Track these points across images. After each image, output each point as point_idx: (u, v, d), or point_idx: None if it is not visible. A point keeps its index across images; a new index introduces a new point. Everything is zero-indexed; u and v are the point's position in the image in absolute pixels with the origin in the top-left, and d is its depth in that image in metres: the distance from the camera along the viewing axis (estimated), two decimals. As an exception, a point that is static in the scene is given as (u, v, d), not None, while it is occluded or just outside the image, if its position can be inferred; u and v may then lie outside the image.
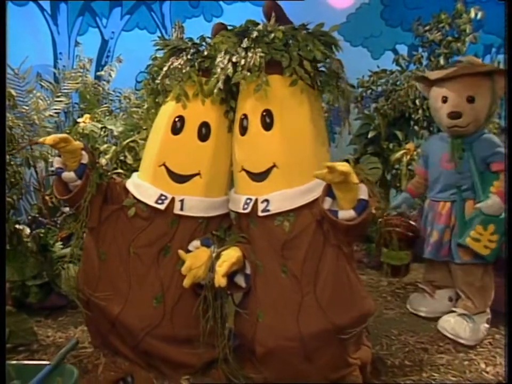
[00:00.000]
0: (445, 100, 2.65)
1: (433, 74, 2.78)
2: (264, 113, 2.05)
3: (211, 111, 2.19)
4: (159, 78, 2.22)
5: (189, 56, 2.18)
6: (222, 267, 1.97)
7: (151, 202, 2.15)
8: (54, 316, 2.93)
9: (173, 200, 2.15)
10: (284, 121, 2.05)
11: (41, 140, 2.10)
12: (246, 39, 2.05)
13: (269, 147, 2.05)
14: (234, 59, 2.03)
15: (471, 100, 2.60)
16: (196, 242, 2.15)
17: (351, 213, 1.87)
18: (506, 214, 2.48)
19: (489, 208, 2.53)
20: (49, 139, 2.03)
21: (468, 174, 2.63)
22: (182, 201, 2.15)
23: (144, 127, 3.23)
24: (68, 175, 2.13)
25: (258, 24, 2.12)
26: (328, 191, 1.93)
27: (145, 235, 2.18)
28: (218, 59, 2.08)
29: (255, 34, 2.05)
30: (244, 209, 2.08)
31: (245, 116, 2.09)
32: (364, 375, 2.10)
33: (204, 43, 2.24)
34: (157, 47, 2.30)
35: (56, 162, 2.16)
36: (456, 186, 2.67)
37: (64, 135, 2.08)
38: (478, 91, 2.61)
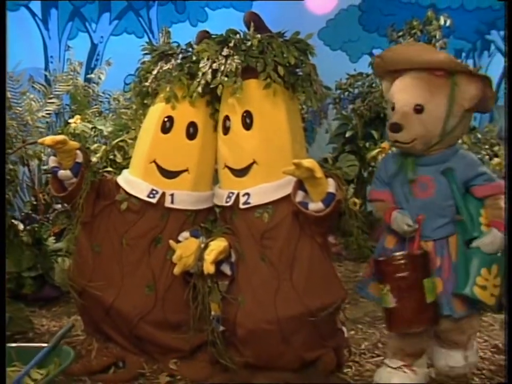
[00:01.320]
0: (393, 107, 2.06)
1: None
2: (245, 114, 2.20)
3: (198, 112, 2.31)
4: (149, 80, 2.34)
5: (178, 61, 2.31)
6: (210, 255, 2.12)
7: (143, 197, 2.28)
8: (48, 306, 3.06)
9: (163, 194, 2.27)
10: (263, 121, 2.21)
11: (40, 140, 2.21)
12: (226, 47, 2.21)
13: (249, 145, 2.20)
14: (214, 66, 2.19)
15: (419, 109, 1.99)
16: (186, 234, 2.28)
17: (319, 205, 2.02)
18: (506, 214, 1.97)
19: (490, 245, 1.97)
20: (48, 140, 2.14)
21: (449, 203, 2.03)
22: (172, 195, 2.27)
23: (133, 127, 3.36)
24: (64, 173, 2.23)
25: (237, 33, 2.28)
26: (300, 186, 2.08)
27: (137, 227, 2.30)
28: (200, 65, 2.24)
29: (233, 42, 2.21)
30: (226, 202, 2.22)
31: (227, 117, 2.25)
32: (338, 357, 2.24)
33: (190, 49, 2.37)
34: (145, 52, 2.43)
35: (52, 161, 2.26)
36: (440, 219, 2.04)
37: (62, 136, 2.20)
38: (430, 98, 2.00)
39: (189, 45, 2.38)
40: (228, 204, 2.22)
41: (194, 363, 2.31)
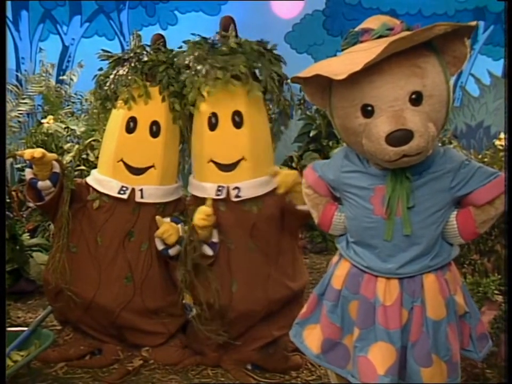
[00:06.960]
0: (369, 110, 1.44)
1: (340, 67, 1.44)
2: (234, 114, 2.33)
3: (159, 110, 2.42)
4: (107, 85, 2.43)
5: (132, 64, 2.42)
6: (199, 213, 2.22)
7: (114, 194, 2.39)
8: (24, 299, 3.13)
9: (133, 190, 2.38)
10: (252, 121, 2.36)
11: (19, 152, 2.29)
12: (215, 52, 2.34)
13: (240, 142, 2.34)
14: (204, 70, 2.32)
15: (416, 98, 1.41)
16: (166, 219, 2.39)
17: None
18: (506, 211, 1.46)
19: None
20: (27, 154, 2.17)
21: (426, 223, 1.49)
22: (141, 190, 2.39)
23: (96, 129, 3.39)
24: (44, 184, 2.29)
25: (228, 37, 2.38)
26: None
27: (110, 224, 2.40)
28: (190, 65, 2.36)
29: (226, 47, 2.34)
30: (218, 195, 2.32)
31: (214, 114, 2.35)
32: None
33: (144, 52, 2.47)
34: (102, 59, 2.52)
35: (29, 173, 2.31)
36: (412, 248, 1.50)
37: (40, 151, 2.21)
38: (424, 80, 1.41)
39: (142, 47, 2.49)
40: (220, 197, 2.32)
41: (166, 348, 2.44)
